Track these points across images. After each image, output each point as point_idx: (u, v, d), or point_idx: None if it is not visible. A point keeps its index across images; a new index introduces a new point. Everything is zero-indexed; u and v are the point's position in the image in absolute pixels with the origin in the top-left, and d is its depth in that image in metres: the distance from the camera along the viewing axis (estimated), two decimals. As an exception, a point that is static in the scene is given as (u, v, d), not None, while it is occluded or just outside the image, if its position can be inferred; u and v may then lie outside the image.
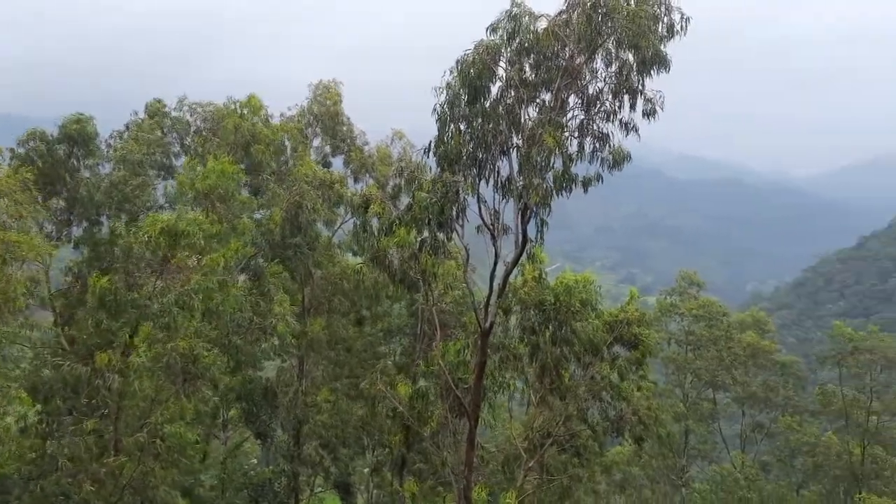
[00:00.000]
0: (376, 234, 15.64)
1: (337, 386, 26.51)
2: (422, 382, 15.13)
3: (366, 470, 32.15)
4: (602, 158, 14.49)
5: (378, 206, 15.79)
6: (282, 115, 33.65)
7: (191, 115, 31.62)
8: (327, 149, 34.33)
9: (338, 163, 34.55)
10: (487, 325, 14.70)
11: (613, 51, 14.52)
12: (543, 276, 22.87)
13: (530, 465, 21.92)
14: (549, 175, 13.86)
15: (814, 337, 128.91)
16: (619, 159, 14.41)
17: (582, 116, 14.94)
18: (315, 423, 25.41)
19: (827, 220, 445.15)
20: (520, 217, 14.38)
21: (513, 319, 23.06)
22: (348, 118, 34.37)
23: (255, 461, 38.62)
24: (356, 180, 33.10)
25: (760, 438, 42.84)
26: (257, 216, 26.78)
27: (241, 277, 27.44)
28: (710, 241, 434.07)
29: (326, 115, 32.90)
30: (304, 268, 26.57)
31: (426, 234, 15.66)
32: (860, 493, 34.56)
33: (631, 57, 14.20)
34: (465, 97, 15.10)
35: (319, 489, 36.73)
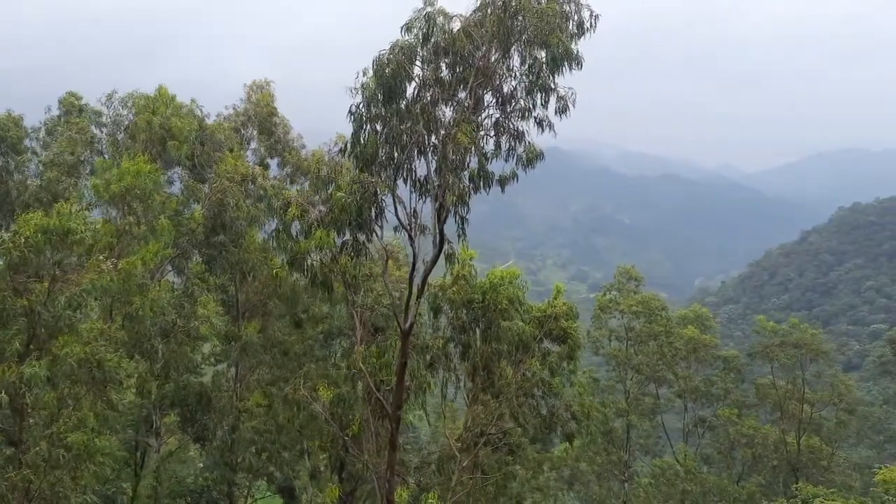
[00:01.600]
0: (294, 236, 15.32)
1: (273, 391, 26.03)
2: (343, 386, 14.88)
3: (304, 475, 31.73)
4: (518, 156, 14.48)
5: (296, 209, 15.47)
6: (219, 114, 32.95)
7: (123, 109, 30.54)
8: (262, 150, 33.77)
9: (278, 166, 34.04)
10: (407, 325, 14.54)
11: (525, 49, 14.53)
12: (472, 274, 22.90)
13: (464, 464, 21.88)
14: (466, 174, 13.77)
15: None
16: (532, 157, 14.43)
17: (498, 115, 14.89)
18: (247, 428, 24.94)
19: (772, 214, 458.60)
20: (436, 217, 14.25)
21: (443, 319, 23.05)
22: (283, 119, 33.79)
23: (201, 466, 37.81)
24: (292, 182, 32.56)
25: (702, 432, 43.55)
26: (188, 213, 26.12)
27: (173, 280, 26.82)
28: (659, 237, 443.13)
29: (260, 115, 32.32)
30: (232, 269, 25.98)
31: (348, 235, 15.49)
32: (797, 483, 35.51)
33: (542, 55, 14.22)
34: (380, 97, 14.96)
35: (266, 495, 36.14)
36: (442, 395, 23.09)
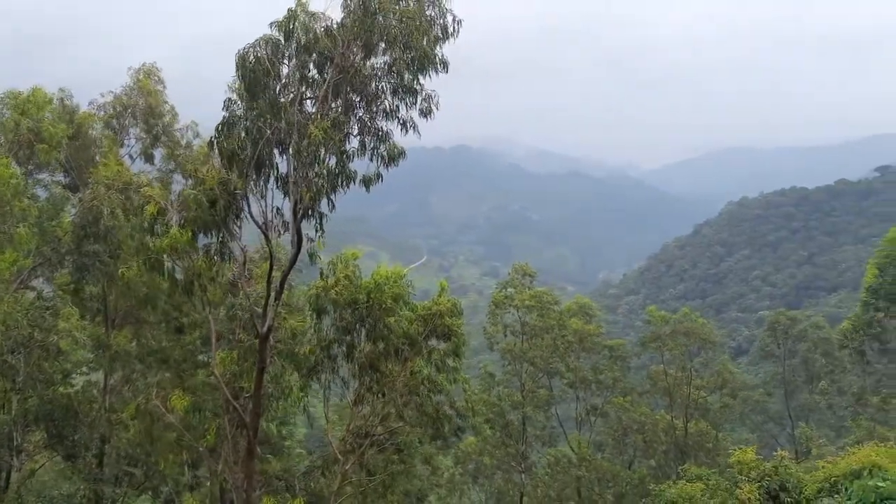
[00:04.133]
0: (150, 235, 14.58)
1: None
2: (201, 394, 14.22)
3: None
4: (380, 155, 14.34)
5: (154, 207, 14.72)
6: (91, 102, 30.72)
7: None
8: (148, 141, 31.70)
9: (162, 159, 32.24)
10: (265, 329, 14.10)
11: (389, 50, 14.48)
12: (357, 274, 22.59)
13: (347, 467, 21.57)
14: (324, 170, 13.48)
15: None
16: (393, 155, 14.34)
17: (363, 114, 14.73)
18: (120, 439, 23.66)
19: (670, 210, 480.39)
20: (293, 215, 13.88)
21: (326, 320, 22.64)
22: (171, 107, 31.93)
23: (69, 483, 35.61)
24: (185, 177, 30.88)
25: (595, 420, 44.82)
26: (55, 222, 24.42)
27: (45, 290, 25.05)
28: (567, 233, 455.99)
29: (143, 104, 30.31)
30: (109, 279, 24.48)
31: (214, 237, 14.88)
32: (683, 465, 37.03)
33: (404, 57, 14.22)
34: (245, 93, 14.66)
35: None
36: (324, 397, 22.69)
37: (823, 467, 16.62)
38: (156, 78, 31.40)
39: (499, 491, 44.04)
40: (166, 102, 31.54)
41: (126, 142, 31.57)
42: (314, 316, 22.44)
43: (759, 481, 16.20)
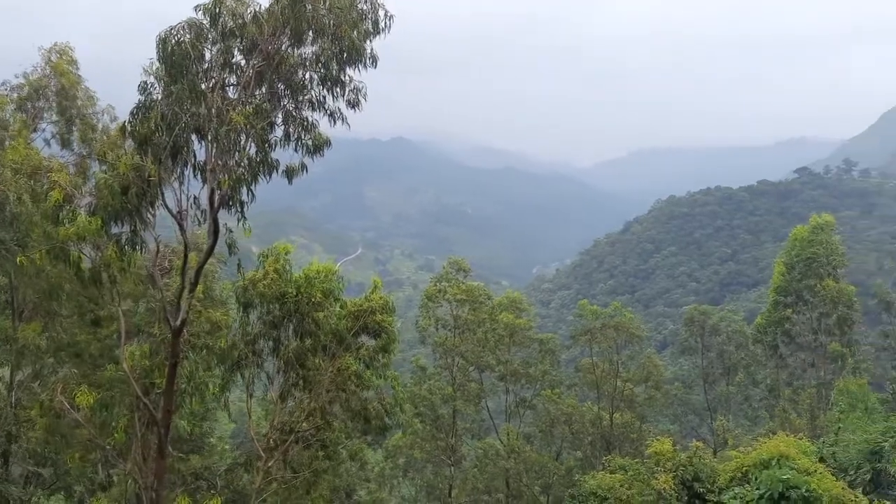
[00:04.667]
0: (55, 223, 13.83)
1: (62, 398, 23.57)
2: (111, 390, 13.59)
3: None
4: (304, 145, 14.04)
5: (60, 193, 13.97)
6: (4, 83, 29.06)
7: None
8: (62, 124, 30.25)
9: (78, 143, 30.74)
10: (178, 322, 13.57)
11: (317, 40, 14.20)
12: (286, 268, 22.14)
13: (269, 464, 21.13)
14: (245, 159, 13.08)
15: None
16: (319, 145, 14.06)
17: (288, 104, 14.38)
18: (28, 438, 22.46)
19: (602, 206, 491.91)
20: (210, 204, 13.41)
21: (253, 315, 22.12)
22: (87, 90, 30.49)
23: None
24: (100, 162, 29.54)
25: (524, 412, 45.38)
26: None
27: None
28: (501, 227, 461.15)
29: (55, 86, 28.82)
30: (17, 268, 23.14)
31: (125, 224, 14.22)
32: (609, 455, 37.87)
33: (332, 48, 13.97)
34: (165, 76, 14.06)
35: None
36: (247, 393, 22.15)
37: (736, 458, 17.24)
38: (68, 59, 29.98)
39: (429, 484, 44.11)
40: (80, 84, 30.17)
41: (41, 126, 30.09)
42: (241, 309, 21.97)
43: (674, 472, 16.66)
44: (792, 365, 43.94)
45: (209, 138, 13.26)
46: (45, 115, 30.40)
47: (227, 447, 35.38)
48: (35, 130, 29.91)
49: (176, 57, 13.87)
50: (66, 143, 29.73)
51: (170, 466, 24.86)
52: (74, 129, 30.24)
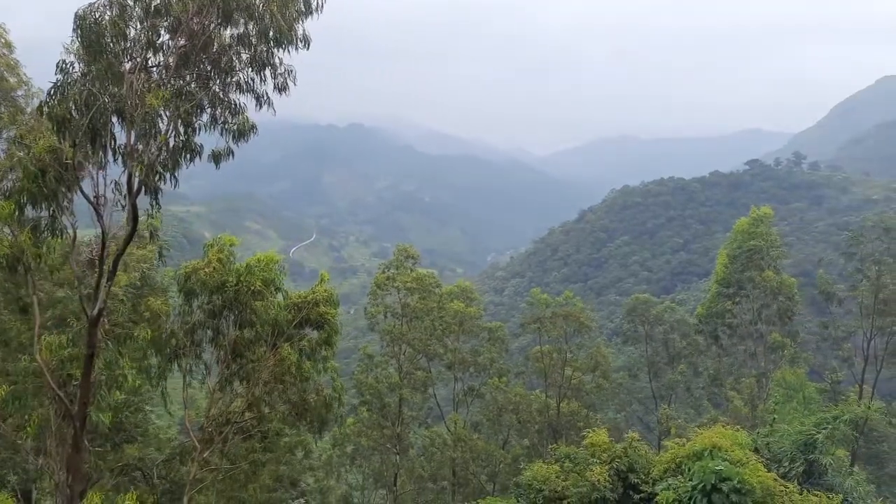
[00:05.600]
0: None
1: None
2: (24, 382, 12.91)
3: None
4: (229, 130, 13.51)
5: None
6: None
7: None
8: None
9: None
10: (95, 312, 12.94)
11: (247, 21, 13.62)
12: (230, 258, 21.55)
13: (204, 455, 20.58)
14: (165, 144, 12.49)
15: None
16: (244, 130, 13.55)
17: (213, 86, 13.78)
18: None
19: (557, 194, 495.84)
20: (128, 189, 12.80)
21: (195, 303, 21.52)
22: (20, 73, 29.19)
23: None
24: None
25: (472, 400, 45.44)
26: None
27: None
28: (458, 214, 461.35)
29: None
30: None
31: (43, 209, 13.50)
32: (555, 444, 38.11)
33: (260, 28, 13.43)
34: (85, 55, 13.35)
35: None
36: (184, 384, 21.53)
37: (671, 448, 17.38)
38: (4, 41, 28.68)
39: (376, 472, 43.96)
40: (18, 68, 28.90)
41: None
42: (182, 297, 21.32)
43: (609, 463, 16.71)
44: (733, 354, 44.85)
45: (126, 121, 12.60)
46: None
47: (173, 436, 34.50)
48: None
49: (94, 35, 13.18)
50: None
51: (98, 459, 24.09)
52: (3, 108, 29.01)
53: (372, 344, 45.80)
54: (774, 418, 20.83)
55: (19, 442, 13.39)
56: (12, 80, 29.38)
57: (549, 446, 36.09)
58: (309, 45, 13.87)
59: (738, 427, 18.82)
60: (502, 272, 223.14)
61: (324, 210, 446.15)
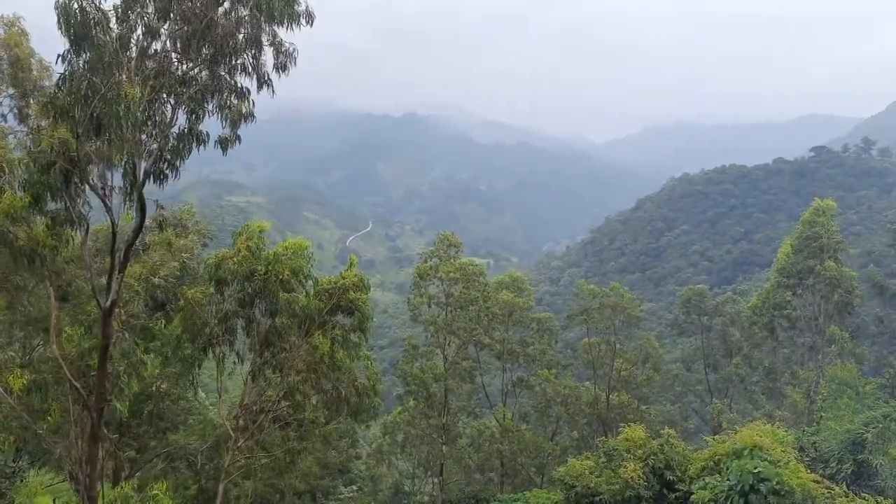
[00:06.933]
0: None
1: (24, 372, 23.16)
2: (44, 372, 13.02)
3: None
4: (227, 117, 13.23)
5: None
6: None
7: None
8: (17, 97, 29.65)
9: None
10: (108, 303, 12.91)
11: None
12: (260, 246, 21.52)
13: (239, 444, 20.65)
14: (168, 132, 12.27)
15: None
16: (238, 116, 13.27)
17: (220, 69, 13.52)
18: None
19: (614, 183, 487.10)
20: (133, 179, 12.67)
21: (227, 291, 21.60)
22: (40, 61, 29.82)
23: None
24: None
25: (520, 391, 44.81)
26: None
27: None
28: (513, 204, 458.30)
29: (8, 57, 28.16)
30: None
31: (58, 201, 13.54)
32: (605, 437, 37.25)
33: (259, 5, 13.08)
34: (69, 45, 13.05)
35: None
36: (217, 372, 21.64)
37: (710, 445, 16.50)
38: (19, 30, 29.20)
39: (423, 461, 43.95)
40: (34, 56, 29.47)
41: None
42: (213, 286, 21.41)
43: (644, 459, 15.95)
44: (790, 347, 42.94)
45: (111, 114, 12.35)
46: (1, 87, 29.71)
47: (219, 423, 35.06)
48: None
49: (77, 26, 12.82)
50: (24, 117, 29.06)
51: (139, 447, 24.49)
52: (32, 101, 29.65)
53: (412, 336, 45.61)
54: (821, 416, 19.54)
55: (40, 431, 13.54)
56: (37, 70, 29.92)
57: (598, 439, 35.24)
58: (312, 21, 13.42)
59: (786, 426, 17.79)
60: (558, 262, 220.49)
61: (379, 199, 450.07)
